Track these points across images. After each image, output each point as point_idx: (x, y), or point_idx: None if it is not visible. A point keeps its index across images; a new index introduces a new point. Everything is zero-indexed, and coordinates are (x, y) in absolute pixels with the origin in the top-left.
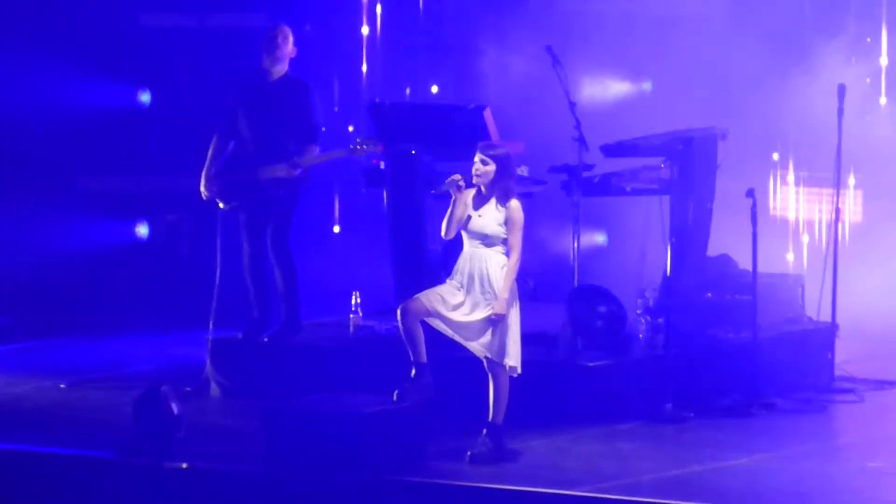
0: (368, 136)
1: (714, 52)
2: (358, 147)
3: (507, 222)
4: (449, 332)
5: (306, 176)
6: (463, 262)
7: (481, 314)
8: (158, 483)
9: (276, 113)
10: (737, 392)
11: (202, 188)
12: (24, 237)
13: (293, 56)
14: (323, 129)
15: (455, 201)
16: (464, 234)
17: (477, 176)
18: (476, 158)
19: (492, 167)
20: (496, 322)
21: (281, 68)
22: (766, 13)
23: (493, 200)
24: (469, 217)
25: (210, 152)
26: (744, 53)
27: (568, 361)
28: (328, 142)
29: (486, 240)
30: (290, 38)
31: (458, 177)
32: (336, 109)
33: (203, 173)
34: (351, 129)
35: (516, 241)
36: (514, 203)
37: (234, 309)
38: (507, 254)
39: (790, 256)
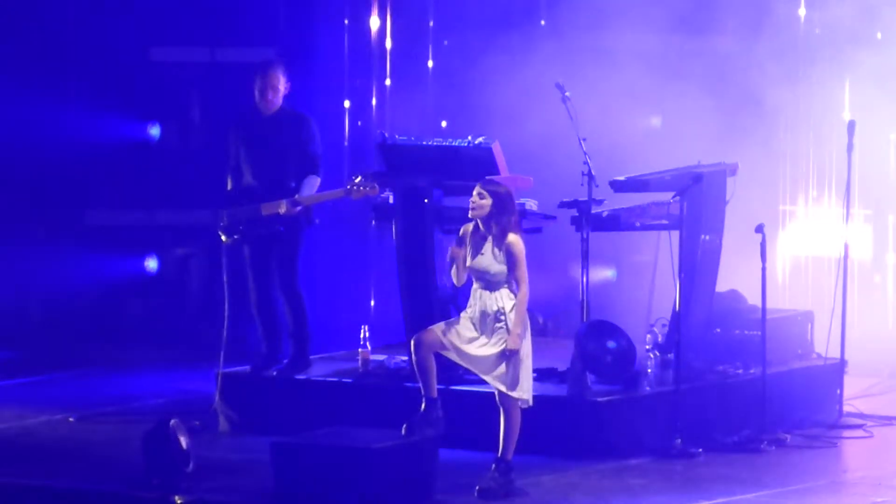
0: (366, 179)
1: (724, 87)
2: (355, 189)
3: (509, 257)
4: (463, 364)
5: (308, 211)
6: (473, 299)
7: (494, 348)
8: None
9: (273, 146)
10: (746, 428)
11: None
12: (34, 271)
13: (286, 91)
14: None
15: (458, 261)
16: (471, 273)
17: (472, 209)
18: (474, 192)
19: (488, 202)
20: (509, 356)
21: (271, 105)
22: (777, 47)
23: (490, 240)
24: (472, 256)
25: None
26: (755, 88)
27: (577, 397)
28: (336, 178)
29: (491, 278)
30: (275, 77)
31: (454, 248)
32: (346, 144)
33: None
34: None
35: (522, 273)
36: (512, 237)
37: (243, 342)
38: (516, 288)
39: (799, 292)
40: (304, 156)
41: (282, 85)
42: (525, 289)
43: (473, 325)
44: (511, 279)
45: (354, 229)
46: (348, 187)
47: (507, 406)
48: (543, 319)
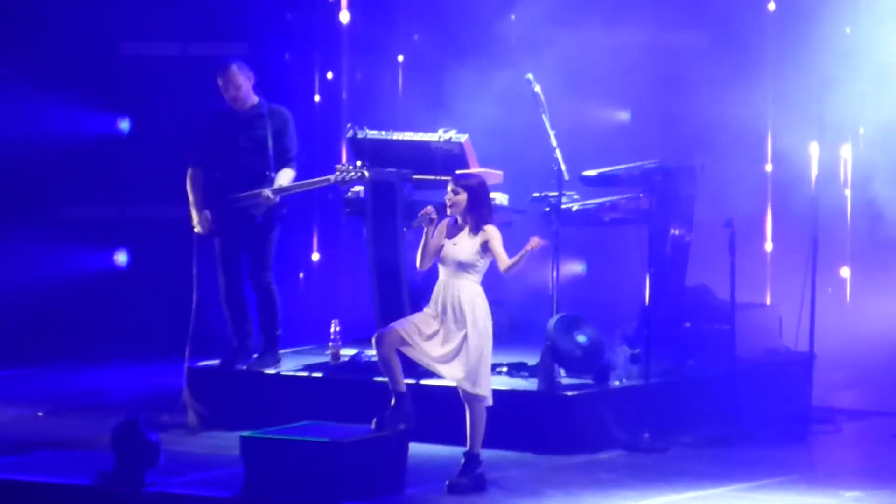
0: (354, 165)
1: (695, 83)
2: (342, 177)
3: (487, 243)
4: (424, 360)
5: (282, 203)
6: (437, 292)
7: (453, 344)
8: None
9: (253, 140)
10: (715, 422)
11: (198, 221)
12: (3, 265)
13: (251, 83)
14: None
15: (427, 233)
16: (439, 263)
17: (450, 206)
18: (448, 188)
19: (463, 196)
20: (469, 352)
21: (242, 102)
22: (746, 44)
23: (466, 229)
24: (444, 246)
25: (192, 185)
26: (725, 84)
27: (547, 391)
28: (307, 169)
29: (460, 267)
30: (232, 76)
31: (430, 209)
32: (316, 138)
33: (194, 208)
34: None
35: (502, 251)
36: (489, 226)
37: (212, 336)
38: (480, 281)
39: (768, 286)
40: (281, 150)
41: (242, 80)
42: (508, 260)
43: (435, 318)
44: (476, 272)
45: (325, 221)
46: (335, 177)
47: (470, 401)
48: (512, 314)
